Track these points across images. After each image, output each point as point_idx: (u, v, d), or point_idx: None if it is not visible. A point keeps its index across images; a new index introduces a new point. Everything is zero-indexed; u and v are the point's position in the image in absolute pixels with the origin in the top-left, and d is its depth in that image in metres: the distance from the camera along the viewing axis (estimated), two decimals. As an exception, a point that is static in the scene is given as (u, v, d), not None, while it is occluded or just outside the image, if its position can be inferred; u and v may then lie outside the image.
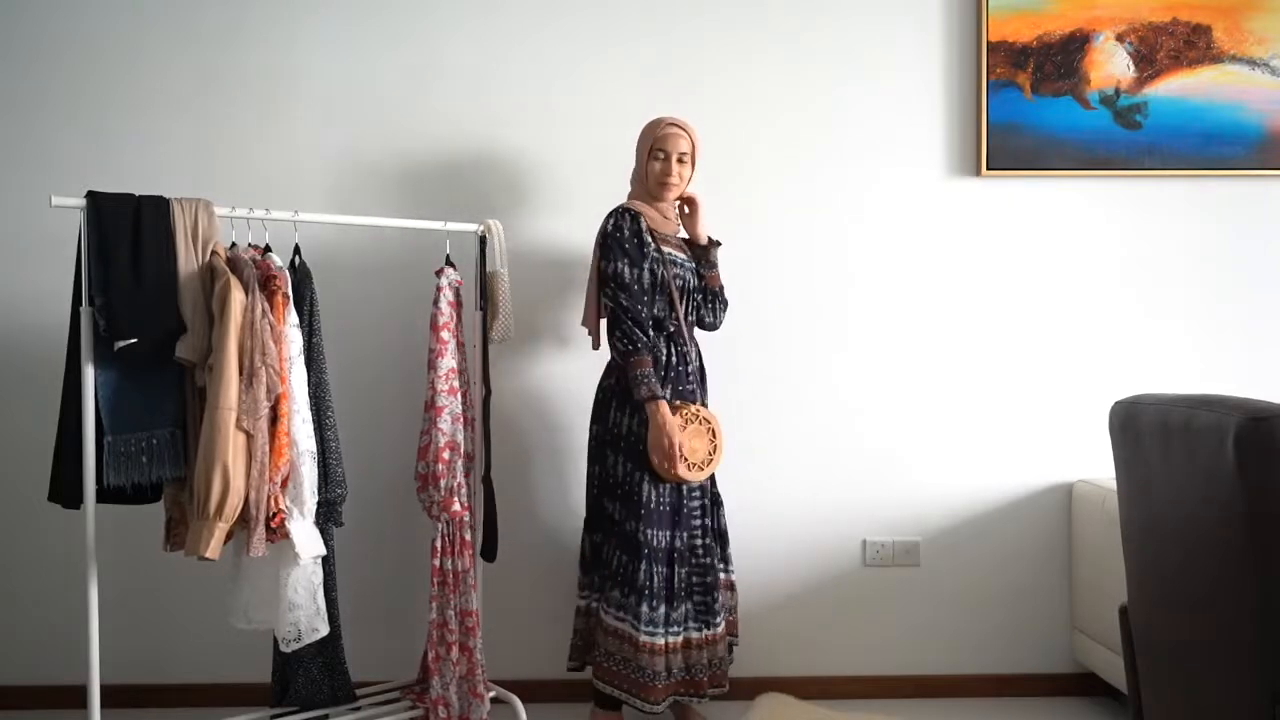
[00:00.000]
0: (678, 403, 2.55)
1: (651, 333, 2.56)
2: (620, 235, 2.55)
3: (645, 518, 2.52)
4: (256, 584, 2.31)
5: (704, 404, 2.67)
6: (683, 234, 2.72)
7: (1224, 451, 1.35)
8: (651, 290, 2.57)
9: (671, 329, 2.61)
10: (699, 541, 2.61)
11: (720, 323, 2.79)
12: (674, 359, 2.60)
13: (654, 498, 2.54)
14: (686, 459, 2.51)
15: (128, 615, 2.88)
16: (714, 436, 2.58)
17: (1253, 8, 2.99)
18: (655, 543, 2.53)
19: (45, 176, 2.86)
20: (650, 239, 2.58)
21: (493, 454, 2.74)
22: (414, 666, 2.81)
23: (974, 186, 3.01)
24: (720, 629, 2.62)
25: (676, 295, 2.60)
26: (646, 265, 2.55)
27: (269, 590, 2.28)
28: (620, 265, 2.53)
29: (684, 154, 2.60)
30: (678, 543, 2.56)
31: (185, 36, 2.92)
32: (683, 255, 2.67)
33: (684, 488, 2.58)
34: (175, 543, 2.30)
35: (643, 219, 2.59)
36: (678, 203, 2.69)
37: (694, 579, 2.60)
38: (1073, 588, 3.00)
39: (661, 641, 2.52)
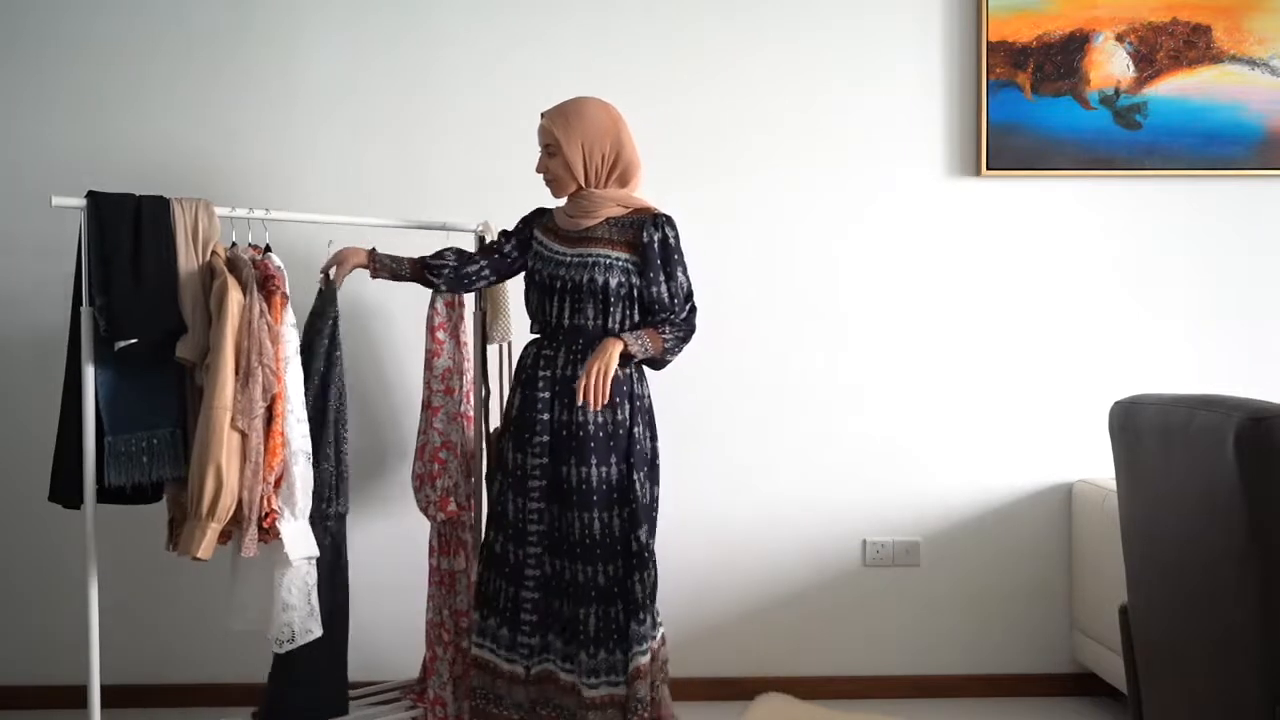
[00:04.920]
0: None
1: (438, 261, 2.48)
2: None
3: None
4: (252, 585, 2.31)
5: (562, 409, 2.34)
6: (591, 220, 2.36)
7: (1224, 451, 1.35)
8: (534, 288, 2.42)
9: (536, 331, 2.45)
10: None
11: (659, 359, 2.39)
12: (529, 360, 2.42)
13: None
14: None
15: (128, 615, 2.88)
16: None
17: (1253, 8, 2.99)
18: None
19: (45, 176, 2.86)
20: (541, 234, 2.43)
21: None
22: (414, 666, 2.81)
23: (974, 186, 3.01)
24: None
25: (546, 294, 2.37)
26: (510, 246, 2.47)
27: (263, 591, 2.28)
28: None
29: (548, 145, 2.36)
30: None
31: (186, 37, 2.92)
32: (578, 252, 2.35)
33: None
34: (176, 543, 2.30)
35: (549, 216, 2.46)
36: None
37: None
38: (1073, 588, 3.00)
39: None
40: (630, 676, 2.25)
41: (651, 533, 2.33)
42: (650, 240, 2.33)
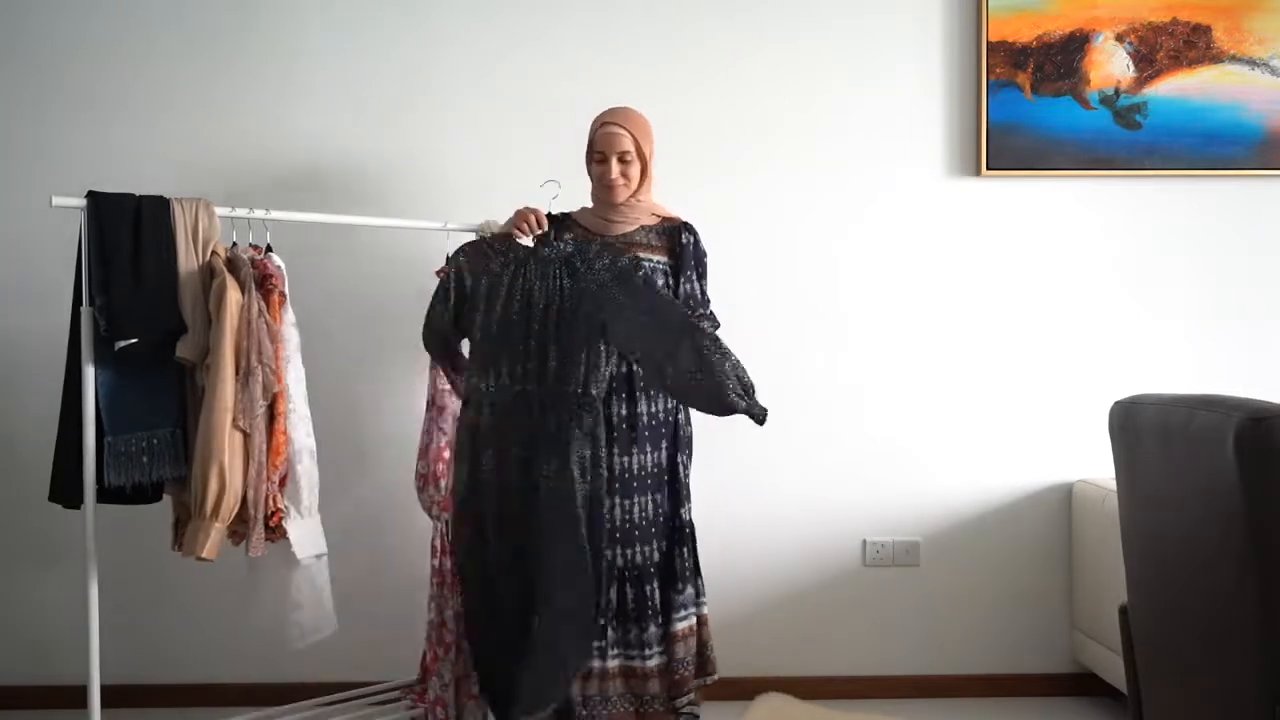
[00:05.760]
0: None
1: None
2: None
3: None
4: (266, 583, 2.32)
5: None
6: (629, 226, 2.50)
7: (1224, 451, 1.35)
8: None
9: None
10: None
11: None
12: None
13: None
14: None
15: (128, 615, 2.87)
16: None
17: (1253, 8, 2.99)
18: None
19: (45, 176, 2.86)
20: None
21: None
22: (414, 666, 2.81)
23: (974, 186, 3.01)
24: (604, 665, 2.42)
25: None
26: None
27: (276, 589, 2.30)
28: None
29: (625, 153, 2.43)
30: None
31: (187, 36, 2.92)
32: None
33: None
34: (181, 543, 2.30)
35: (571, 221, 2.54)
36: None
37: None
38: (1073, 588, 3.00)
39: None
40: (670, 639, 2.45)
41: (689, 508, 2.52)
42: (687, 245, 2.51)
